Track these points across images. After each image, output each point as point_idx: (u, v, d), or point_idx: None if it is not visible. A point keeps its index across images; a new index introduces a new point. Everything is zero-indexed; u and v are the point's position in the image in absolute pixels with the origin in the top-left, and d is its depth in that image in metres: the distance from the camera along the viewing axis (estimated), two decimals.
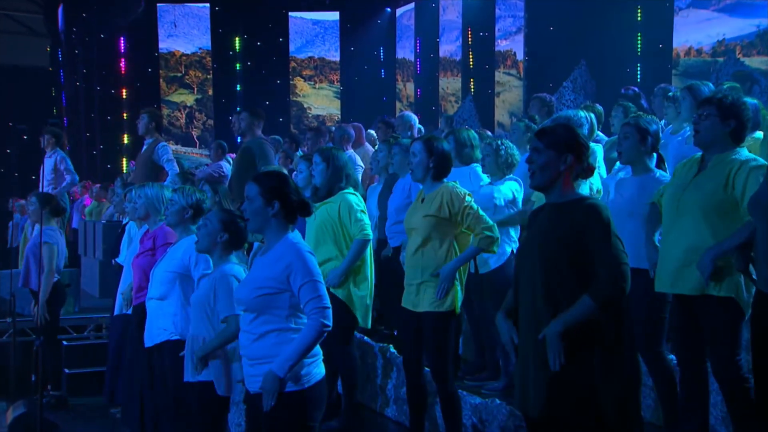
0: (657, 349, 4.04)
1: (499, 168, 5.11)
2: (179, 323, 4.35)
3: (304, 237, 5.18)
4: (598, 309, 2.86)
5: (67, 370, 7.47)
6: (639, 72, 12.77)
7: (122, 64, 18.44)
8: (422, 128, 8.66)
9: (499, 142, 5.15)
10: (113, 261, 6.57)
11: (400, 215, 5.73)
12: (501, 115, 15.64)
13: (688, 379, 3.80)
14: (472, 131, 5.76)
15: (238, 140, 9.22)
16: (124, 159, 17.92)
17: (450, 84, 17.37)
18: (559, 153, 3.03)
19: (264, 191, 3.28)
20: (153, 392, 4.73)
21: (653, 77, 11.41)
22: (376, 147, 6.82)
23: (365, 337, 5.92)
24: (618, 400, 2.89)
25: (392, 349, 5.59)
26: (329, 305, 3.23)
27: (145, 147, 7.75)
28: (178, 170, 7.52)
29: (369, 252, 5.04)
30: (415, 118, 7.91)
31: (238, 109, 7.53)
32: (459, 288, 4.30)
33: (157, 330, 4.44)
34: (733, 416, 3.63)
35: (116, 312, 5.78)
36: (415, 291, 4.35)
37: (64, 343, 7.75)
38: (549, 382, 2.91)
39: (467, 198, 4.30)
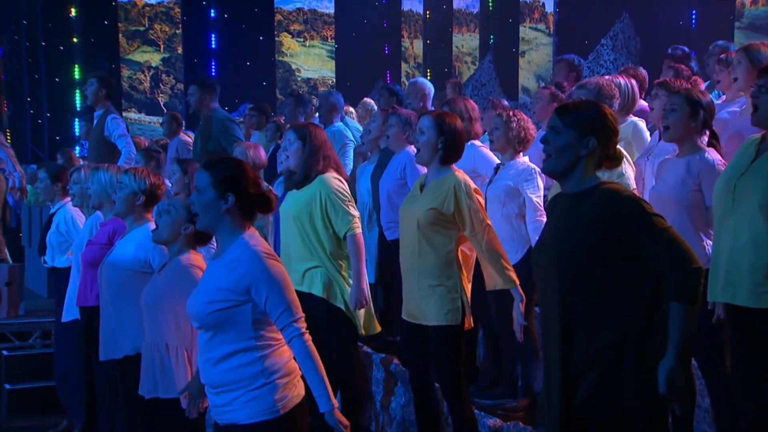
0: (719, 363, 4.02)
1: (510, 143, 5.09)
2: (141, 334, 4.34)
3: (277, 233, 5.23)
4: (696, 307, 2.86)
5: (8, 386, 7.50)
6: (694, 26, 12.70)
7: (72, 15, 18.35)
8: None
9: (511, 113, 5.13)
10: (42, 259, 6.60)
11: (394, 201, 5.73)
12: (526, 78, 15.61)
13: (745, 403, 3.80)
14: (471, 101, 5.74)
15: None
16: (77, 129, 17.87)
17: (466, 41, 17.31)
18: (581, 135, 3.03)
19: (217, 182, 3.25)
20: (117, 409, 4.75)
21: (711, 32, 11.32)
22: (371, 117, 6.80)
23: (365, 347, 5.95)
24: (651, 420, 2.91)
25: (396, 361, 5.62)
26: (300, 311, 3.23)
27: (96, 120, 7.74)
28: (134, 148, 7.51)
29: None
30: (431, 87, 7.83)
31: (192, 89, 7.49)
32: (464, 298, 4.31)
33: (114, 343, 4.45)
34: None
35: (65, 318, 5.80)
36: (416, 301, 4.35)
37: (4, 353, 7.75)
38: (568, 397, 2.94)
39: (476, 196, 4.29)
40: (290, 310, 3.20)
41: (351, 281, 4.88)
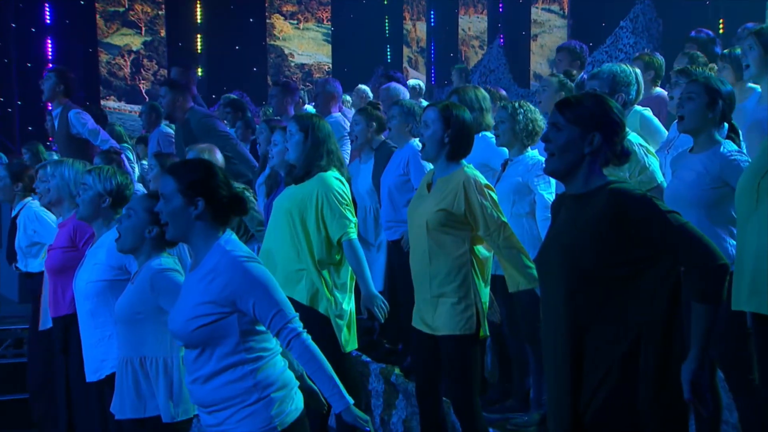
0: (748, 376, 3.97)
1: (517, 137, 5.08)
2: None
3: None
4: (718, 307, 2.88)
5: None
6: (722, 6, 12.66)
7: None
8: (421, 85, 8.52)
9: (516, 105, 5.11)
10: (13, 266, 6.57)
11: (396, 199, 5.73)
12: (538, 64, 15.59)
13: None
14: (482, 90, 5.73)
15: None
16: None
17: (473, 24, 17.29)
18: (584, 131, 3.01)
19: (184, 187, 3.23)
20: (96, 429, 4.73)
21: (742, 14, 11.28)
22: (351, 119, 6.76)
23: (363, 356, 5.96)
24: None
25: (397, 372, 5.61)
26: (293, 310, 3.23)
27: (56, 120, 7.68)
28: (100, 140, 7.46)
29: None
30: (405, 92, 7.75)
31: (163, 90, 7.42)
32: (480, 305, 4.30)
33: (99, 360, 4.40)
34: None
35: (43, 326, 5.78)
36: (428, 308, 4.34)
37: None
38: (576, 409, 2.94)
39: (487, 192, 4.27)
40: (282, 312, 3.19)
41: (336, 291, 4.85)
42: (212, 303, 3.17)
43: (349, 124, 7.45)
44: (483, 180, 4.31)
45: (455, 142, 4.32)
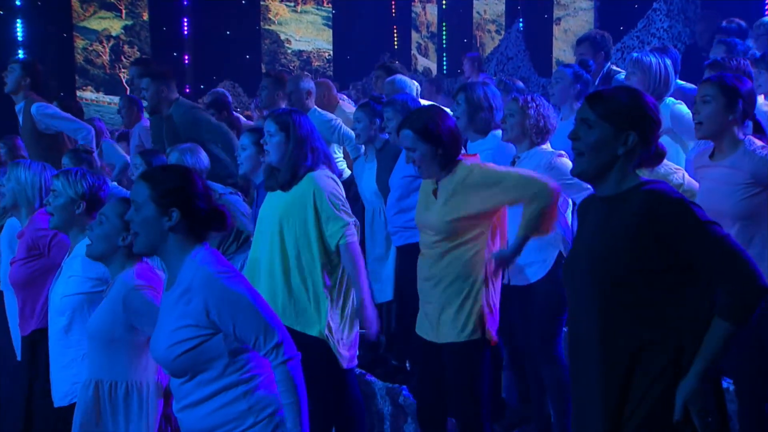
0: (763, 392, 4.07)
1: (526, 133, 5.08)
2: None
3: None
4: (739, 329, 2.86)
5: None
6: None
7: None
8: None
9: (529, 98, 5.12)
10: None
11: (404, 202, 5.75)
12: (562, 51, 15.59)
13: None
14: (491, 87, 5.74)
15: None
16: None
17: (489, 6, 17.29)
18: (618, 129, 3.00)
19: (158, 195, 3.23)
20: None
21: None
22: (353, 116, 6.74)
23: (367, 375, 5.97)
24: None
25: (406, 392, 5.63)
26: (282, 330, 3.22)
27: (20, 117, 7.62)
28: (75, 125, 7.40)
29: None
30: (412, 85, 7.71)
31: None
32: (488, 307, 4.32)
33: (66, 384, 4.37)
34: None
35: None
36: (435, 316, 4.37)
37: None
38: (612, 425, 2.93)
39: (493, 167, 4.35)
40: (267, 334, 3.18)
41: (332, 306, 4.86)
42: (193, 326, 3.17)
43: (335, 120, 7.43)
44: (482, 163, 4.41)
45: (445, 153, 4.38)
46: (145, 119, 8.75)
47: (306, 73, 8.27)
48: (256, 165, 5.43)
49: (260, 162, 5.27)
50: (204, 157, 5.99)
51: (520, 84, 7.28)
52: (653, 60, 5.44)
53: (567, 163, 4.91)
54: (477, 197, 4.28)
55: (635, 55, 5.56)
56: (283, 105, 7.52)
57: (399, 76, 7.61)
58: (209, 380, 3.21)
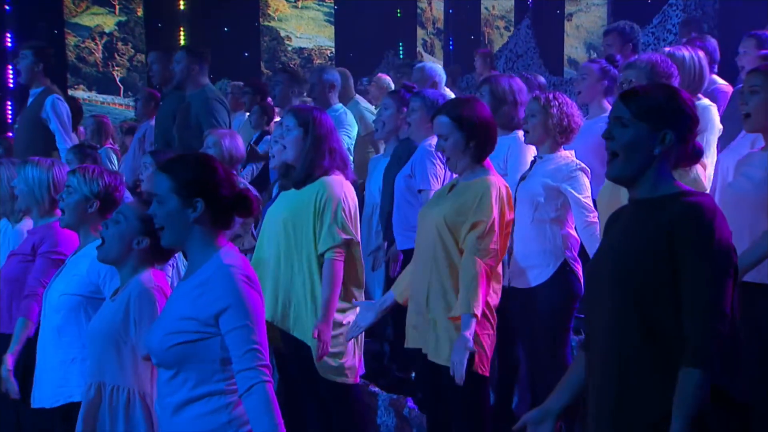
0: None
1: (549, 134, 5.07)
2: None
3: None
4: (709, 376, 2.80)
5: None
6: None
7: None
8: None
9: (551, 96, 5.10)
10: None
11: (412, 202, 5.73)
12: (573, 48, 15.58)
13: None
14: (518, 80, 5.73)
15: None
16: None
17: (498, 2, 17.28)
18: (654, 127, 2.98)
19: (179, 186, 3.24)
20: None
21: None
22: (381, 102, 6.77)
23: (370, 386, 5.96)
24: None
25: (411, 404, 5.61)
26: (267, 360, 3.20)
27: (31, 99, 7.70)
28: (68, 142, 7.44)
29: None
30: (441, 73, 7.76)
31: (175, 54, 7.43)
32: (478, 344, 4.27)
33: (55, 385, 4.38)
34: None
35: None
36: (428, 328, 4.36)
37: None
38: None
39: (506, 210, 4.33)
40: (259, 351, 3.18)
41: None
42: (196, 319, 3.18)
43: (350, 116, 7.45)
44: (507, 194, 4.40)
45: (477, 144, 4.38)
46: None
47: (332, 64, 8.29)
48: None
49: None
50: (241, 144, 6.02)
51: (542, 80, 7.24)
52: (686, 54, 5.40)
53: (586, 180, 4.92)
54: (473, 210, 4.29)
55: (667, 49, 5.52)
56: (296, 102, 7.57)
57: (429, 63, 7.72)
58: (196, 382, 3.21)
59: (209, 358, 3.20)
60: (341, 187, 4.87)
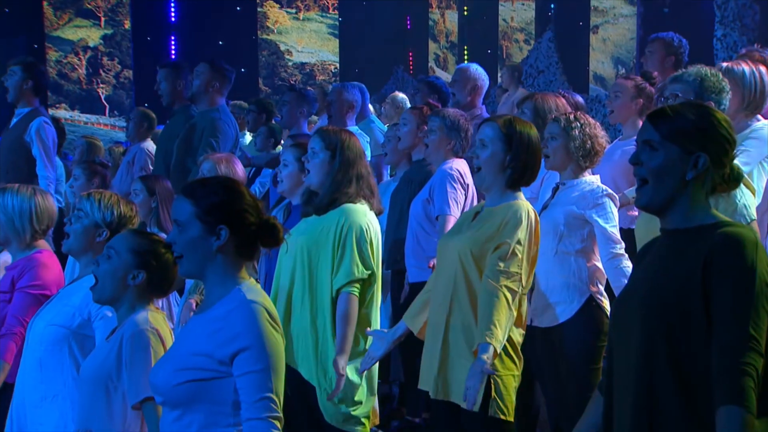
0: None
1: (571, 157, 5.07)
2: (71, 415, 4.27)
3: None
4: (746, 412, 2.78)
5: None
6: None
7: None
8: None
9: (572, 117, 5.11)
10: None
11: (422, 231, 5.73)
12: (599, 63, 15.60)
13: None
14: (562, 99, 5.76)
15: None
16: None
17: (517, 12, 17.34)
18: (686, 151, 2.97)
19: (203, 211, 3.23)
20: None
21: None
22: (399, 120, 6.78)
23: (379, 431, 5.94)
24: None
25: None
26: (280, 411, 3.18)
27: (15, 119, 7.74)
28: (50, 170, 7.46)
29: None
30: (485, 78, 7.71)
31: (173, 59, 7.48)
32: (501, 386, 4.27)
33: (33, 424, 4.36)
34: None
35: None
36: (440, 369, 4.36)
37: None
38: None
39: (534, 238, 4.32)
40: (273, 401, 3.15)
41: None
42: (210, 357, 3.16)
43: (368, 138, 7.47)
44: (536, 221, 4.39)
45: (518, 166, 4.37)
46: (151, 142, 8.83)
47: (335, 80, 8.32)
48: (296, 184, 5.33)
49: (301, 181, 5.21)
50: (240, 169, 6.04)
51: (580, 99, 7.21)
52: (746, 69, 5.36)
53: (614, 208, 4.92)
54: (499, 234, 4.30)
55: (724, 65, 5.49)
56: (304, 123, 7.58)
57: (474, 65, 7.67)
58: (201, 426, 3.19)
59: (220, 399, 3.17)
60: (365, 216, 4.89)
